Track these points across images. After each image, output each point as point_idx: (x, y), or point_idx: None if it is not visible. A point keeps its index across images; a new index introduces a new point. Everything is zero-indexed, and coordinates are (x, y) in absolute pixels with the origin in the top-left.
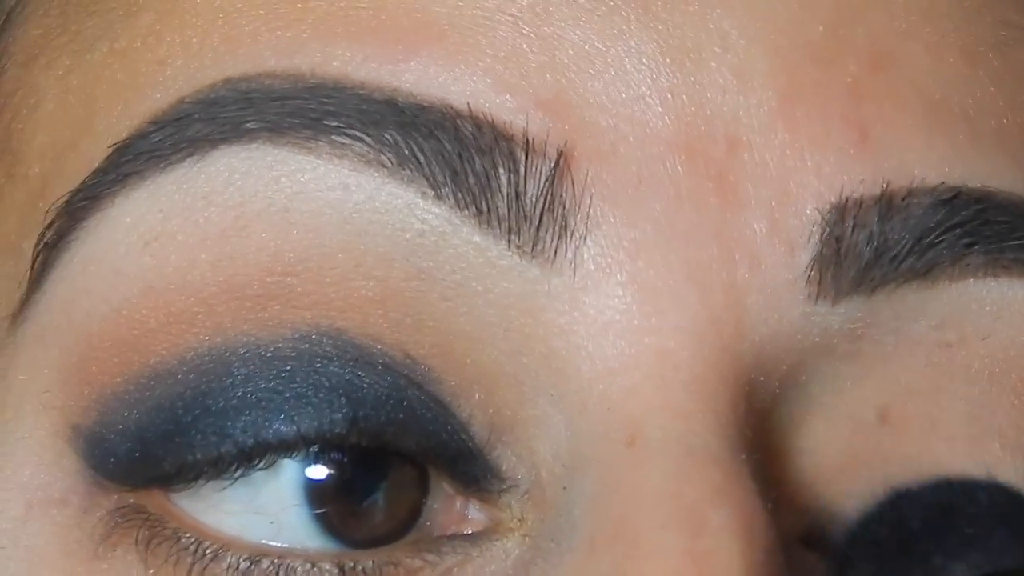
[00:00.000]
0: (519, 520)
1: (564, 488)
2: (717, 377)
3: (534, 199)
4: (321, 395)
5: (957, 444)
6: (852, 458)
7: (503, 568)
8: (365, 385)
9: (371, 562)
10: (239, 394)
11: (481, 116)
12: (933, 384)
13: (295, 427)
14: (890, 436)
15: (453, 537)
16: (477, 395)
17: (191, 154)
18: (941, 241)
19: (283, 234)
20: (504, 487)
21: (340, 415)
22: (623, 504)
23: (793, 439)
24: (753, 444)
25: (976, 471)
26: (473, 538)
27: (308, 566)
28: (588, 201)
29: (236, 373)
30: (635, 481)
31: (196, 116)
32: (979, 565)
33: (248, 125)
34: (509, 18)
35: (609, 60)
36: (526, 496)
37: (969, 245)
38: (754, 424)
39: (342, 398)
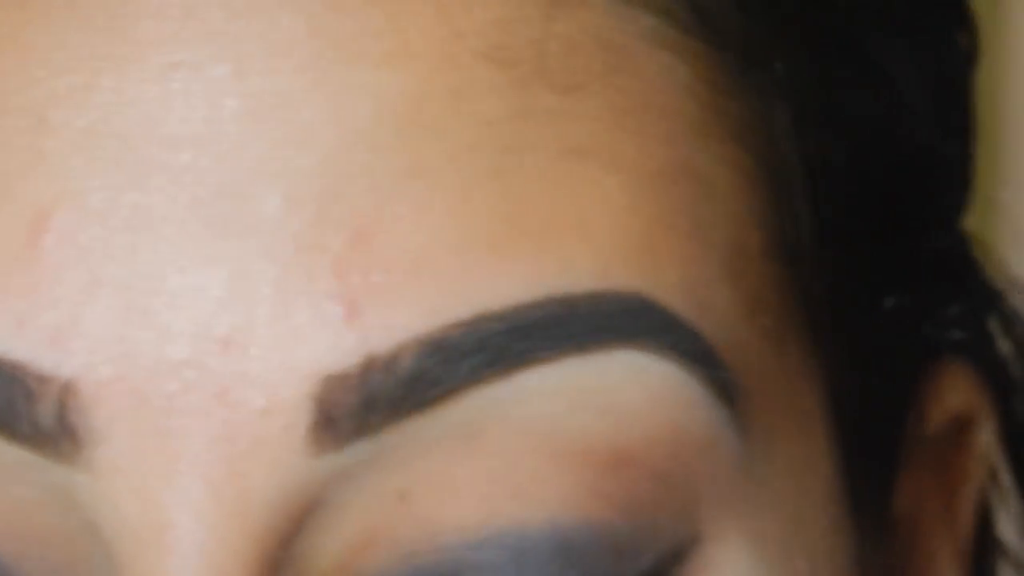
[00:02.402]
0: None
1: None
2: (221, 542)
3: (49, 422)
4: None
5: (472, 509)
6: (372, 539)
7: None
8: None
9: None
10: None
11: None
12: (452, 466)
13: None
14: (408, 515)
15: None
16: (39, 556)
17: None
18: (440, 377)
19: None
20: None
21: None
22: None
23: (318, 545)
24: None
25: (489, 529)
26: None
27: None
28: (96, 421)
29: None
30: None
31: None
32: None
33: None
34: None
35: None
36: None
37: (485, 365)
38: (276, 554)
39: None
